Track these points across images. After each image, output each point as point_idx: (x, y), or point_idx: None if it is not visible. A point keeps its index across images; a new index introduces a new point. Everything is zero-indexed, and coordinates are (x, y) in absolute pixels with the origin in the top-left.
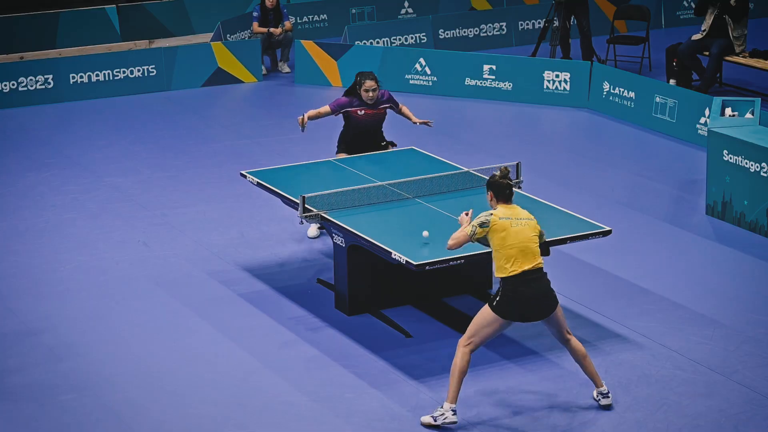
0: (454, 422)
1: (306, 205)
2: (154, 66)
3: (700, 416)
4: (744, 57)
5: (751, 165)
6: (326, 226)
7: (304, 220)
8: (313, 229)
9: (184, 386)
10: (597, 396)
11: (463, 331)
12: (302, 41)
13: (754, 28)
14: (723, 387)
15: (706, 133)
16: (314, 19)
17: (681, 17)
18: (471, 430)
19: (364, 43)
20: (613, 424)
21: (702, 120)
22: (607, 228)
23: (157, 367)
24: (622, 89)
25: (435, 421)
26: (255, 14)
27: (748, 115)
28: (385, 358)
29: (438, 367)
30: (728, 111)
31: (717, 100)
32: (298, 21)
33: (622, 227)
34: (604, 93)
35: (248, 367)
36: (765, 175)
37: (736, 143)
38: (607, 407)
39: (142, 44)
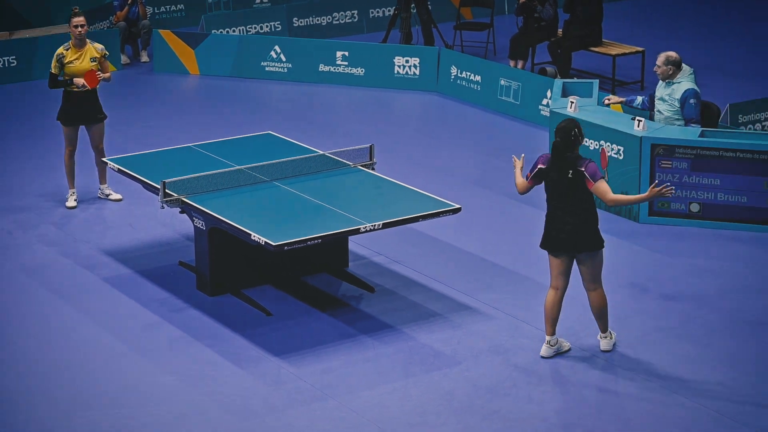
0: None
1: (166, 190)
2: (14, 57)
3: (545, 379)
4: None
5: (591, 143)
6: (187, 210)
7: (164, 205)
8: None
9: (47, 369)
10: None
11: (320, 307)
12: (160, 31)
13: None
14: (568, 353)
15: (548, 114)
16: (171, 8)
17: None
18: (327, 401)
19: (221, 32)
20: (467, 392)
21: (544, 101)
22: (457, 205)
23: (21, 352)
24: (469, 73)
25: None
26: (116, 3)
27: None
28: (246, 336)
29: (297, 343)
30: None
31: (558, 83)
32: (156, 11)
33: (472, 204)
34: (452, 77)
35: (113, 349)
36: (608, 152)
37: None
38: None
39: (2, 36)
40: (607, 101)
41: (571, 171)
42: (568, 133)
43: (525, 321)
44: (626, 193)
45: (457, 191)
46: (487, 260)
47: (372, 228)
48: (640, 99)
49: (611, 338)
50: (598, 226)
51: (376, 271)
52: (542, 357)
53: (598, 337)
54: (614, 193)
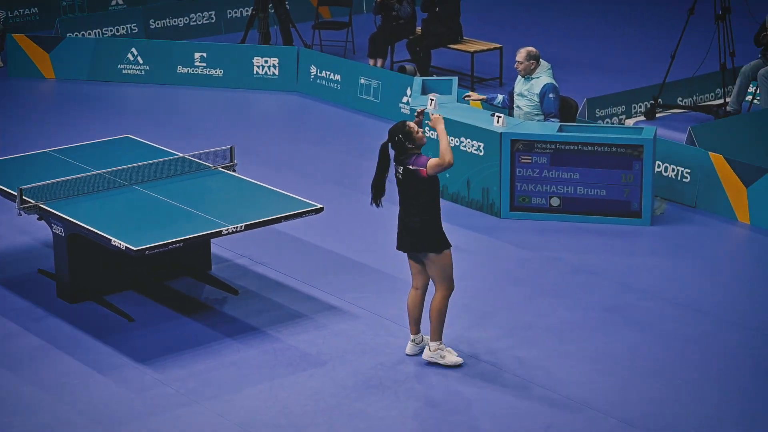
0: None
1: (23, 197)
2: None
3: (410, 377)
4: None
5: (453, 140)
6: (45, 217)
7: (22, 212)
8: None
9: None
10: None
11: (183, 311)
12: (14, 35)
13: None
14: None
15: (408, 111)
16: (25, 12)
17: None
18: (192, 406)
19: (76, 35)
20: (334, 392)
21: (404, 99)
22: (319, 205)
23: None
24: (328, 72)
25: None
26: None
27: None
28: (109, 343)
29: (161, 348)
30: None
31: (418, 80)
32: (9, 15)
33: (335, 204)
34: (312, 76)
35: None
36: (464, 149)
37: None
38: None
39: None
40: (467, 97)
41: (401, 170)
42: (392, 137)
43: (390, 319)
44: (488, 189)
45: (320, 191)
46: (351, 259)
47: (234, 230)
48: (500, 97)
49: (437, 352)
50: (441, 227)
51: (240, 274)
52: (407, 355)
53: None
54: (472, 192)
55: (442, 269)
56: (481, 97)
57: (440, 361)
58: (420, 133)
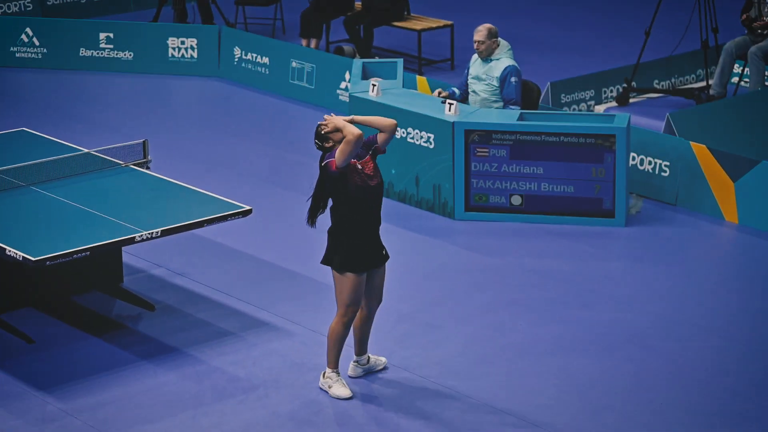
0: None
1: None
2: None
3: (353, 403)
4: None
5: (399, 132)
6: None
7: None
8: None
9: None
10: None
11: (92, 330)
12: None
13: None
14: (384, 371)
15: (347, 99)
16: None
17: None
18: None
19: None
20: (267, 421)
21: (342, 85)
22: (247, 207)
23: None
24: (254, 55)
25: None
26: None
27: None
28: (5, 368)
29: (66, 373)
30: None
31: (358, 63)
32: None
33: (264, 206)
34: (236, 59)
35: None
36: (412, 141)
37: (380, 109)
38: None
39: None
40: (441, 96)
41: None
42: (316, 145)
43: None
44: (439, 186)
45: (247, 190)
46: (284, 268)
47: (149, 236)
48: (456, 91)
49: (326, 380)
50: (357, 244)
51: (157, 286)
52: (350, 377)
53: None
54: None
55: (339, 292)
56: (446, 93)
57: (327, 391)
58: (330, 125)
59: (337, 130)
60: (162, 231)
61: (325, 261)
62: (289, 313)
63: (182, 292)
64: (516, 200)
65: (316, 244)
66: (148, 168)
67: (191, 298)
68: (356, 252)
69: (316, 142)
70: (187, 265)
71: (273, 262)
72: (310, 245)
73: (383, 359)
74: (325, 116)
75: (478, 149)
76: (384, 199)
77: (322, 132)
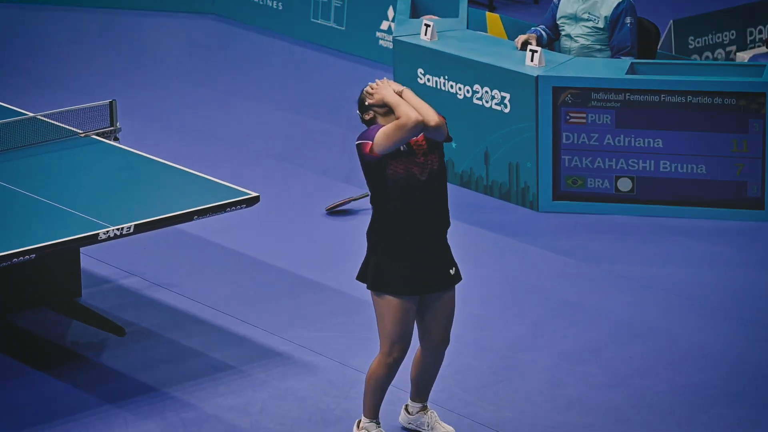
0: None
1: None
2: None
3: None
4: None
5: (460, 89)
6: None
7: None
8: None
9: None
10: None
11: (40, 363)
12: None
13: None
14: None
15: (390, 44)
16: None
17: None
18: None
19: None
20: None
21: (384, 25)
22: (253, 193)
23: None
24: None
25: None
26: None
27: None
28: None
29: (6, 421)
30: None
31: None
32: None
33: (275, 192)
34: None
35: None
36: (479, 102)
37: (436, 58)
38: None
39: None
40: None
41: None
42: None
43: (364, 370)
44: (517, 166)
45: (252, 171)
46: (303, 278)
47: (118, 233)
48: (543, 33)
49: None
50: (399, 256)
51: (128, 302)
52: (402, 428)
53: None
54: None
55: (379, 321)
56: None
57: None
58: (376, 96)
59: (385, 105)
60: (135, 226)
61: (360, 276)
62: (310, 339)
63: (163, 310)
64: (624, 185)
65: (347, 247)
66: (116, 139)
67: (175, 319)
68: (398, 267)
69: (358, 114)
70: (170, 274)
71: (287, 270)
72: (337, 248)
73: (450, 429)
74: (377, 81)
75: (571, 114)
76: None
77: (366, 102)
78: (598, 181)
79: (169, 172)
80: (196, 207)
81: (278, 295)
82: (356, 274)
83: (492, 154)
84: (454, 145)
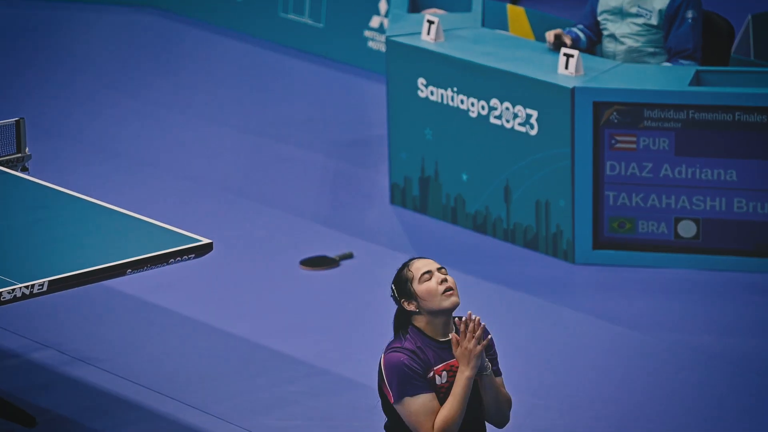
0: None
1: None
2: None
3: None
4: None
5: (473, 105)
6: None
7: None
8: None
9: None
10: None
11: None
12: None
13: None
14: None
15: (382, 47)
16: None
17: None
18: None
19: None
20: None
21: (374, 22)
22: (205, 240)
23: None
24: None
25: None
26: None
27: None
28: None
29: None
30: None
31: None
32: None
33: (229, 237)
34: None
35: None
36: (497, 122)
37: (442, 64)
38: None
39: None
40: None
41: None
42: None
43: None
44: (548, 204)
45: (202, 209)
46: (266, 348)
47: (27, 292)
48: (580, 34)
49: None
50: None
51: (40, 383)
52: None
53: None
54: None
55: None
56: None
57: None
58: (430, 282)
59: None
60: (49, 283)
61: None
62: (278, 430)
63: (85, 392)
64: (687, 229)
65: (324, 310)
66: (24, 169)
67: (101, 404)
68: None
69: (392, 290)
70: (96, 346)
71: (247, 339)
72: (312, 310)
73: None
74: (475, 320)
75: (618, 138)
76: (450, 226)
77: (410, 281)
78: (653, 225)
79: (93, 211)
80: (129, 258)
81: (235, 372)
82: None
83: (514, 190)
84: (465, 177)
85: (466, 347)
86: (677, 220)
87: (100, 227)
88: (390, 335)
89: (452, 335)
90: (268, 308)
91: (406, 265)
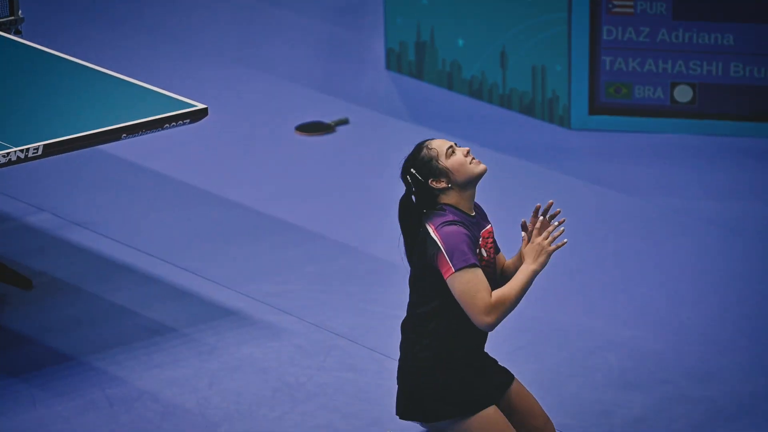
0: None
1: None
2: None
3: None
4: None
5: None
6: None
7: None
8: None
9: None
10: None
11: None
12: None
13: None
14: None
15: None
16: None
17: None
18: None
19: None
20: None
21: None
22: (200, 105)
23: None
24: None
25: None
26: None
27: None
28: None
29: None
30: None
31: None
32: None
33: (225, 102)
34: None
35: None
36: None
37: None
38: None
39: None
40: None
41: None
42: (404, 175)
43: (343, 332)
44: (543, 69)
45: (198, 74)
46: (263, 214)
47: (22, 156)
48: None
49: None
50: (454, 370)
51: (36, 246)
52: None
53: None
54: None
55: None
56: None
57: None
58: (456, 155)
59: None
60: (44, 147)
61: (408, 413)
62: (273, 294)
63: (81, 256)
64: (683, 94)
65: (322, 174)
66: (17, 32)
67: (97, 268)
68: (471, 378)
69: (411, 175)
70: (91, 209)
71: (243, 204)
72: (310, 176)
73: None
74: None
75: (615, 2)
76: (446, 92)
77: (436, 158)
78: (649, 90)
79: (88, 76)
80: (124, 122)
81: (232, 238)
82: (398, 413)
83: (510, 55)
84: (461, 42)
85: (539, 243)
86: (674, 85)
87: (95, 92)
88: (387, 206)
89: (523, 234)
90: (264, 174)
91: (421, 146)
